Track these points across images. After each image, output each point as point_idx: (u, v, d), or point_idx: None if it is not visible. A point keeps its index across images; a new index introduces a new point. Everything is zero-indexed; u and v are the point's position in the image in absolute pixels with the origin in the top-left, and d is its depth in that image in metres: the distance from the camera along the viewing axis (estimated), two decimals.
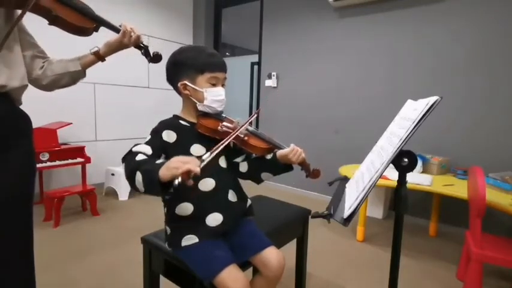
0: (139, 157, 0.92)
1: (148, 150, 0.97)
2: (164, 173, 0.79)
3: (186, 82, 1.07)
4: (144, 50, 1.23)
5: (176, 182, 0.74)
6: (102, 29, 1.17)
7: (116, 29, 1.15)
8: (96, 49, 1.16)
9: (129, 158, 0.93)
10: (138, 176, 0.85)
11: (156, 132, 1.04)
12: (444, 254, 2.25)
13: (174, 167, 0.78)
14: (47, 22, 1.05)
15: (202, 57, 1.06)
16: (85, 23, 1.10)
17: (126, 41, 1.14)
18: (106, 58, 1.18)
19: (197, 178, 1.04)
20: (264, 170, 1.18)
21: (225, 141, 0.92)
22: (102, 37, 1.19)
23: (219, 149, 0.88)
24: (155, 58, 1.24)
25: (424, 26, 2.81)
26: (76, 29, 1.10)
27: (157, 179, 0.79)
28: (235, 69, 4.63)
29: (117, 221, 2.68)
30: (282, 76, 3.82)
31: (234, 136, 0.98)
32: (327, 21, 3.40)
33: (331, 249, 2.29)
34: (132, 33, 1.14)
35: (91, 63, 1.17)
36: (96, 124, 3.54)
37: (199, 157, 0.82)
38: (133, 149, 0.96)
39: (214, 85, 1.07)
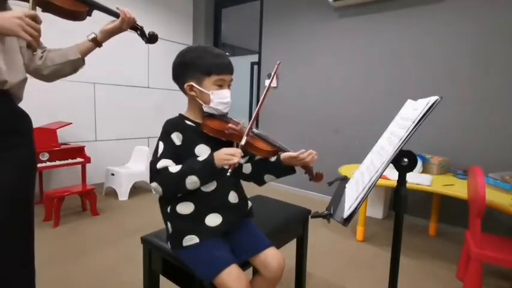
0: (173, 169, 1.00)
1: (171, 163, 1.02)
2: (218, 163, 0.98)
3: (192, 83, 1.06)
4: (140, 31, 1.23)
5: (228, 173, 0.96)
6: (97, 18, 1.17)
7: (112, 13, 1.15)
8: (93, 35, 1.16)
9: (164, 174, 1.00)
10: (190, 178, 0.98)
11: (167, 138, 1.04)
12: (444, 254, 2.25)
13: (224, 159, 0.97)
14: (41, 9, 1.04)
15: (209, 59, 1.05)
16: (77, 6, 1.10)
17: (125, 27, 1.16)
18: (103, 44, 1.19)
19: None
20: (267, 172, 1.19)
21: (251, 123, 1.06)
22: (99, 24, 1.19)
23: (248, 132, 1.04)
24: (151, 38, 1.25)
25: (423, 25, 2.81)
26: (69, 14, 1.10)
27: (216, 167, 0.98)
28: (235, 69, 4.58)
29: (117, 221, 2.68)
30: (282, 76, 3.82)
31: (260, 107, 1.12)
32: (327, 21, 3.40)
33: (331, 249, 2.29)
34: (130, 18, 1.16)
35: (89, 50, 1.18)
36: (96, 124, 3.54)
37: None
38: (159, 167, 1.00)
39: (220, 87, 1.07)
